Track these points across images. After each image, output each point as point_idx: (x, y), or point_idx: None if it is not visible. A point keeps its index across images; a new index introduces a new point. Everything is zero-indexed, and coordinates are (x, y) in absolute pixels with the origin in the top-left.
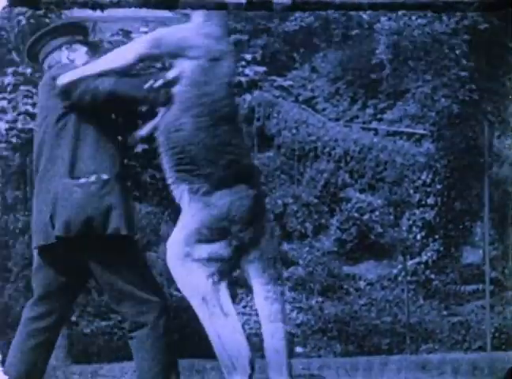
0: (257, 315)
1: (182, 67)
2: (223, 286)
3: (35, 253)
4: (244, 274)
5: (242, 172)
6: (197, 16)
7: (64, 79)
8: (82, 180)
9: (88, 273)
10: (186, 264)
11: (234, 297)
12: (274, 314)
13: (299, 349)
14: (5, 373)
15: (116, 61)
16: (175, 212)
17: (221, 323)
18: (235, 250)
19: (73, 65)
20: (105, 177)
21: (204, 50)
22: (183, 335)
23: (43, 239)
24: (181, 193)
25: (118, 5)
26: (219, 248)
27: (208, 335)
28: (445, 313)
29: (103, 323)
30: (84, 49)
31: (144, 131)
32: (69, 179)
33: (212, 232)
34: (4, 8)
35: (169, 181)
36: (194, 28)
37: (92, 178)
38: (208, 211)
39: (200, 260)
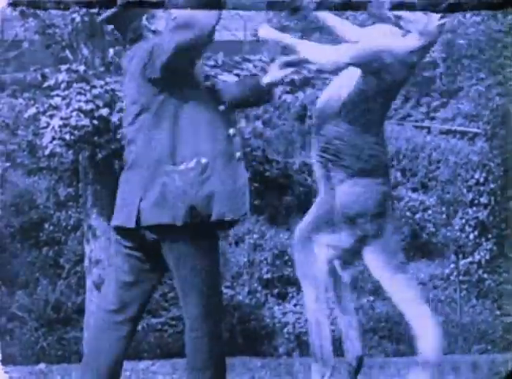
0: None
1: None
2: (339, 275)
3: (113, 237)
4: (366, 265)
5: (378, 168)
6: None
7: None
8: (182, 166)
9: (165, 262)
10: (307, 247)
11: (284, 295)
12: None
13: None
14: (83, 367)
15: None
16: None
17: (323, 310)
18: (357, 240)
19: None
20: (204, 160)
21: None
22: (234, 333)
23: (128, 222)
24: (320, 176)
25: (163, 5)
26: (342, 236)
27: (307, 318)
28: (498, 313)
29: (154, 320)
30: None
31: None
32: (171, 165)
33: (339, 219)
34: (4, 8)
35: (312, 159)
36: (399, 54)
37: (192, 163)
38: (338, 198)
39: (320, 245)
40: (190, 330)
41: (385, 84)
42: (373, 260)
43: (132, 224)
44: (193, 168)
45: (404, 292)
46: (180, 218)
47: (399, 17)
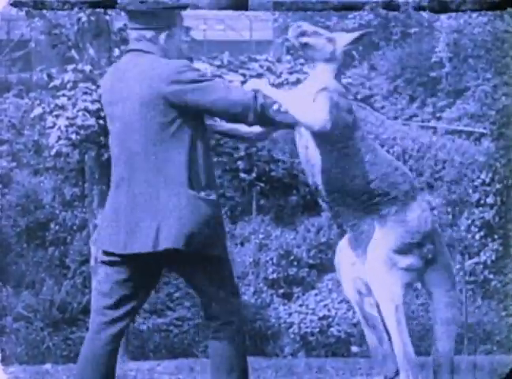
0: (312, 314)
1: None
2: (408, 296)
3: (101, 255)
4: (425, 281)
5: (409, 189)
6: None
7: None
8: (202, 194)
9: (160, 276)
10: (391, 272)
11: (290, 296)
12: (452, 317)
13: (355, 348)
14: (78, 370)
15: None
16: (231, 209)
17: (406, 332)
18: (426, 262)
19: None
20: (214, 197)
21: None
22: None
23: (144, 248)
24: (362, 218)
25: (192, 7)
26: (414, 260)
27: (393, 340)
28: (503, 313)
29: (160, 320)
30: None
31: None
32: (190, 190)
33: (411, 244)
34: (8, 8)
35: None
36: None
37: (212, 195)
38: (402, 226)
39: (400, 270)
40: (214, 332)
41: None
42: (435, 277)
43: (149, 248)
44: (214, 200)
45: (446, 310)
46: (196, 246)
47: (305, 45)
